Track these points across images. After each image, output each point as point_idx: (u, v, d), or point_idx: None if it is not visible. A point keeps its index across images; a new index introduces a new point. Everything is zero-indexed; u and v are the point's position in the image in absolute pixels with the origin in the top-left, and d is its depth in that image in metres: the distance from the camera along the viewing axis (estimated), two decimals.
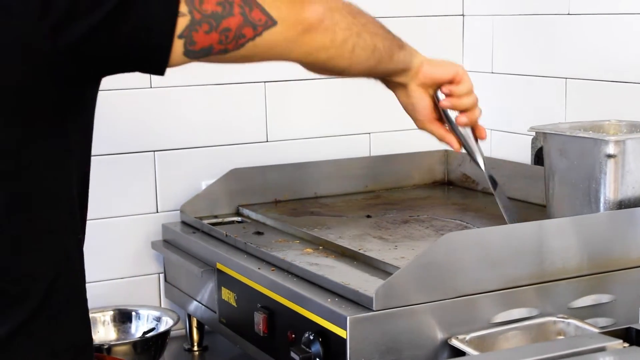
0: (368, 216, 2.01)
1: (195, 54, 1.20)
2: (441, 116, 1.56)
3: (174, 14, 1.16)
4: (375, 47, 1.41)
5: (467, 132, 1.59)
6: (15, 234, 1.16)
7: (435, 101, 1.54)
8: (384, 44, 1.43)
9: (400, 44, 1.49)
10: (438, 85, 1.54)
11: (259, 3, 1.22)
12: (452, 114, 1.56)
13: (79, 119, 1.21)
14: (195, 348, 2.10)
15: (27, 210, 1.17)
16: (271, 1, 1.23)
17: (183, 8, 1.16)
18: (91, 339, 1.28)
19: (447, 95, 1.53)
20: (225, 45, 1.21)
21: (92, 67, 1.17)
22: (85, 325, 1.26)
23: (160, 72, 1.20)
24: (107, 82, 2.07)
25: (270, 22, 1.23)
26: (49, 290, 1.19)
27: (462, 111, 1.55)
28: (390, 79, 1.53)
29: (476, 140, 1.60)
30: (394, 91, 1.56)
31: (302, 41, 1.29)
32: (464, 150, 1.61)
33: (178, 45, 1.17)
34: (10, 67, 1.11)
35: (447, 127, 1.57)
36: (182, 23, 1.16)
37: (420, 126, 1.59)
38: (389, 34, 1.46)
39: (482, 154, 1.62)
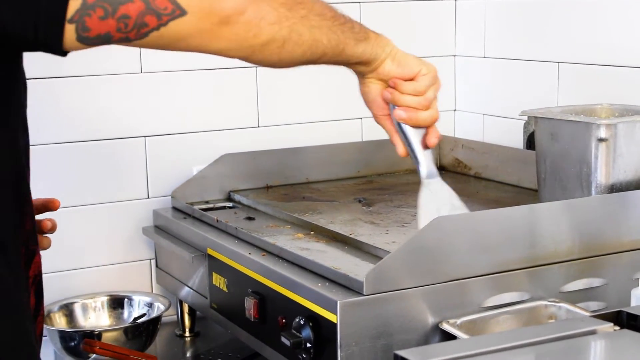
0: (359, 201, 2.00)
1: (91, 40, 1.12)
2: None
3: None
4: (315, 41, 1.31)
5: (414, 135, 1.44)
6: None
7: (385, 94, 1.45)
8: (329, 37, 1.33)
9: (360, 37, 1.39)
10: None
11: None
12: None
13: None
14: (187, 334, 2.10)
15: None
16: None
17: None
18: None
19: (392, 87, 1.43)
20: (125, 34, 1.13)
21: None
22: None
23: (60, 54, 1.13)
24: (97, 66, 2.08)
25: (178, 12, 1.14)
26: None
27: (401, 109, 1.43)
28: (349, 67, 1.44)
29: (425, 147, 1.45)
30: (358, 77, 1.48)
31: (219, 34, 1.20)
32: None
33: (69, 30, 1.09)
34: None
35: (396, 127, 1.45)
36: (72, 6, 1.09)
37: (375, 119, 1.50)
38: (344, 26, 1.36)
39: (426, 163, 1.45)
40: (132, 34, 1.13)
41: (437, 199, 1.47)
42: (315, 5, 1.31)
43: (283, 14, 1.25)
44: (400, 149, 1.46)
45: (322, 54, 1.34)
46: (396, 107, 1.42)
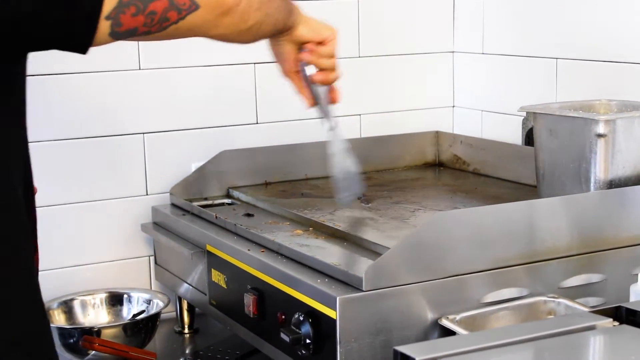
0: (358, 197, 2.00)
1: (120, 35, 1.21)
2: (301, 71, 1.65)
3: None
4: (276, 20, 1.50)
5: (322, 93, 1.66)
6: None
7: (297, 56, 1.62)
8: (282, 16, 1.51)
9: (290, 9, 1.55)
10: (305, 42, 1.61)
11: None
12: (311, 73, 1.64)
13: (10, 99, 1.20)
14: (186, 330, 2.09)
15: None
16: None
17: None
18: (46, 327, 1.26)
19: (310, 51, 1.60)
20: (149, 28, 1.23)
21: (16, 41, 1.15)
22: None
23: (83, 52, 1.20)
24: (95, 63, 2.08)
25: (194, 7, 1.27)
26: None
27: (320, 70, 1.63)
28: None
29: (329, 102, 1.67)
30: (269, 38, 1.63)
31: (219, 23, 1.33)
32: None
33: (104, 26, 1.17)
34: None
35: (305, 83, 1.65)
36: (109, 4, 1.17)
37: (284, 75, 1.66)
38: (284, 0, 1.52)
39: (332, 116, 1.69)
40: (155, 27, 1.24)
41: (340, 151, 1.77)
42: None
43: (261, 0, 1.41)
44: (310, 101, 1.67)
45: (277, 29, 1.53)
46: (306, 65, 1.62)
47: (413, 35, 2.43)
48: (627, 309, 1.25)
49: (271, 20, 1.47)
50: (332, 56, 1.63)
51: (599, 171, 1.64)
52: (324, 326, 1.42)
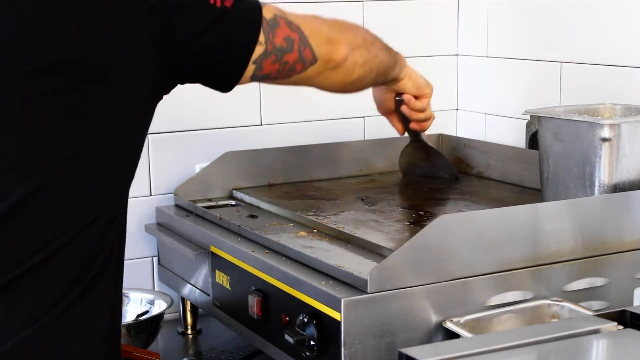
0: (362, 199, 2.01)
1: (258, 78, 1.38)
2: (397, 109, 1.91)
3: (254, 41, 1.33)
4: (378, 73, 1.66)
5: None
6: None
7: (395, 103, 1.90)
8: (384, 68, 1.68)
9: (394, 62, 1.73)
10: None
11: (310, 43, 1.43)
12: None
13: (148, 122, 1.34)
14: (189, 331, 2.10)
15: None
16: (318, 42, 1.44)
17: (261, 37, 1.34)
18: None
19: (407, 104, 1.87)
20: (279, 75, 1.40)
21: (178, 74, 1.32)
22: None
23: (228, 90, 1.38)
24: None
25: (314, 60, 1.45)
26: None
27: (414, 122, 1.91)
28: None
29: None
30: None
31: (329, 75, 1.50)
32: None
33: (250, 69, 1.35)
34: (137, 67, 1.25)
35: (400, 118, 1.93)
36: (258, 51, 1.34)
37: (382, 113, 1.95)
38: (390, 56, 1.69)
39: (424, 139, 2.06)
40: (283, 75, 1.42)
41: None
42: (378, 41, 1.64)
43: (367, 56, 1.58)
44: (401, 131, 1.97)
45: (379, 82, 1.74)
46: (405, 111, 1.90)
47: (417, 38, 2.43)
48: (632, 313, 1.25)
49: (373, 75, 1.63)
50: (424, 110, 1.88)
51: (604, 175, 1.64)
52: (328, 328, 1.42)
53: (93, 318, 1.27)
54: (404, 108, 1.88)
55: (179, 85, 2.14)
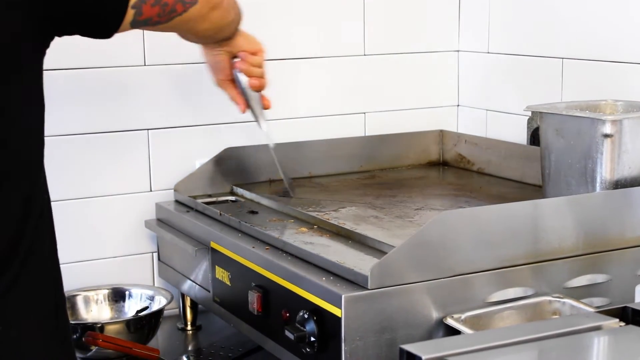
0: (363, 196, 2.00)
1: (138, 23, 1.36)
2: (234, 80, 1.83)
3: None
4: (237, 22, 1.69)
5: (255, 98, 1.86)
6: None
7: (231, 65, 1.81)
8: (239, 16, 1.69)
9: (241, 15, 1.71)
10: (240, 52, 1.80)
11: None
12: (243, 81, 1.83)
13: (39, 76, 1.35)
14: (189, 327, 2.09)
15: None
16: None
17: None
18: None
19: (243, 60, 1.80)
20: (160, 18, 1.40)
21: (52, 22, 1.27)
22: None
23: (108, 36, 1.35)
24: (100, 59, 2.08)
25: (195, 1, 1.45)
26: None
27: (253, 78, 1.82)
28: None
29: (263, 107, 1.89)
30: (203, 48, 1.80)
31: (208, 17, 1.52)
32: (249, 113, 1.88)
33: (129, 15, 1.33)
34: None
35: (238, 90, 1.84)
36: None
37: (218, 84, 1.85)
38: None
39: (265, 119, 1.90)
40: (164, 18, 1.41)
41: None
42: None
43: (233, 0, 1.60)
44: (242, 106, 1.86)
45: (233, 32, 1.72)
46: (240, 73, 1.81)
47: (418, 33, 2.43)
48: (633, 310, 1.25)
49: (237, 20, 1.66)
50: (261, 66, 1.82)
51: (605, 171, 1.63)
52: (328, 324, 1.41)
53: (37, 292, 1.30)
54: (240, 64, 1.80)
55: (178, 83, 2.16)
